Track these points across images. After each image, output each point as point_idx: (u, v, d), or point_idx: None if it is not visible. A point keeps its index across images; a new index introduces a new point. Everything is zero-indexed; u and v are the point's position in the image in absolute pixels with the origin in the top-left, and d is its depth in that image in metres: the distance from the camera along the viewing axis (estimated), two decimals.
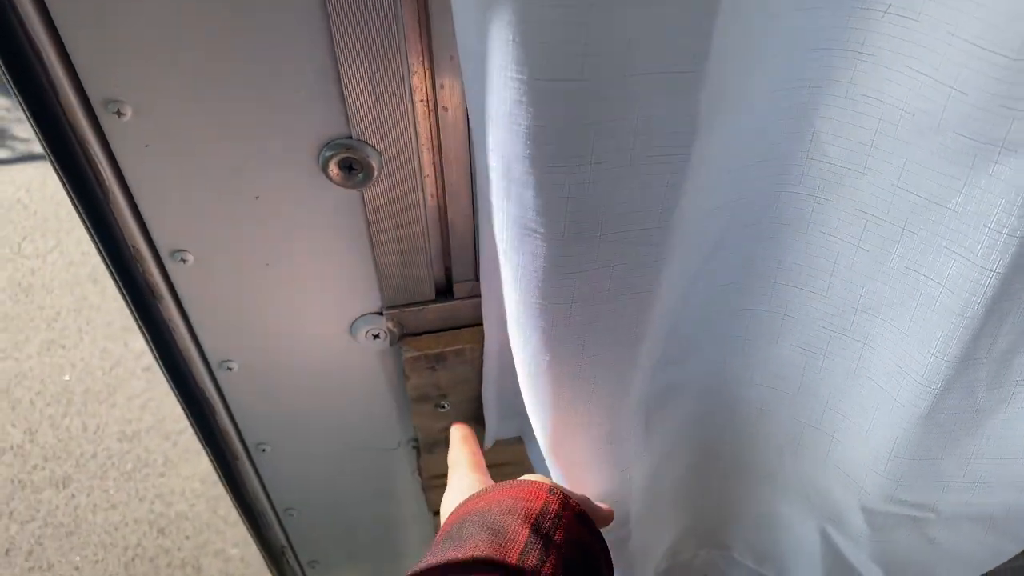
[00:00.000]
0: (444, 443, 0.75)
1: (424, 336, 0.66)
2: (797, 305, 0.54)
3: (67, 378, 2.39)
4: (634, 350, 0.51)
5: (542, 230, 0.42)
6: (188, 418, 0.71)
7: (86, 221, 0.54)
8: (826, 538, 0.64)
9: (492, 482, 0.59)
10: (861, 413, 0.55)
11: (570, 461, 0.57)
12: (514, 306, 0.48)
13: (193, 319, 0.62)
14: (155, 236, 0.56)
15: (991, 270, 0.44)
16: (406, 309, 0.64)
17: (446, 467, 0.80)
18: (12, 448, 2.19)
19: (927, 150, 0.43)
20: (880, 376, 0.52)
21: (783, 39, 0.42)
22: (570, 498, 0.51)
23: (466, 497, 0.53)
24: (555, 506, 0.49)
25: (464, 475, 0.61)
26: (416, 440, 0.76)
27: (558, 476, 0.59)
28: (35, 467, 2.15)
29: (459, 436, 0.68)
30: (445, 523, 0.52)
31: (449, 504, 0.57)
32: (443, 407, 0.70)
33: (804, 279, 0.52)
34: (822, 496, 0.62)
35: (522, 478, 0.54)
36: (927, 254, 0.46)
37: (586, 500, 0.55)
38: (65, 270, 2.77)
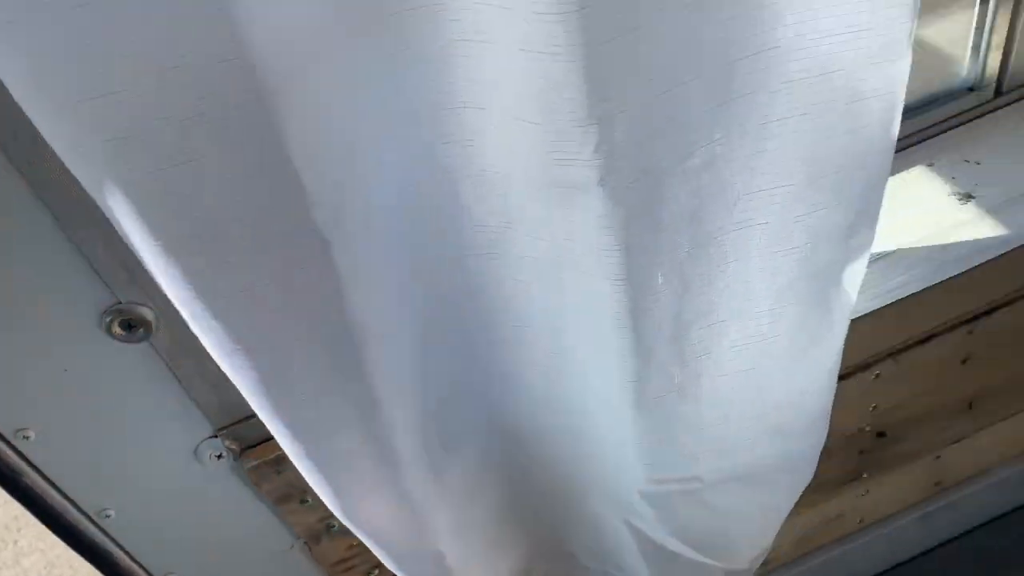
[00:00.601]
0: (327, 531, 0.83)
1: (263, 444, 0.74)
2: (522, 340, 0.62)
3: None
4: (380, 419, 0.59)
5: (239, 346, 0.51)
6: (96, 569, 0.79)
7: None
8: (631, 527, 0.71)
9: None
10: (604, 416, 0.63)
11: (368, 523, 0.65)
12: (259, 412, 0.57)
13: (58, 483, 0.71)
14: None
15: (614, 280, 0.52)
16: (237, 425, 0.73)
17: (342, 552, 0.87)
18: None
19: (537, 200, 0.52)
20: (598, 382, 0.60)
21: (391, 146, 0.52)
22: None
23: None
24: None
25: None
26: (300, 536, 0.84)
27: (364, 536, 0.66)
28: None
29: None
30: None
31: None
32: (307, 501, 0.78)
33: (515, 318, 0.61)
34: (614, 492, 0.69)
35: None
36: (577, 279, 0.55)
37: None
38: None
